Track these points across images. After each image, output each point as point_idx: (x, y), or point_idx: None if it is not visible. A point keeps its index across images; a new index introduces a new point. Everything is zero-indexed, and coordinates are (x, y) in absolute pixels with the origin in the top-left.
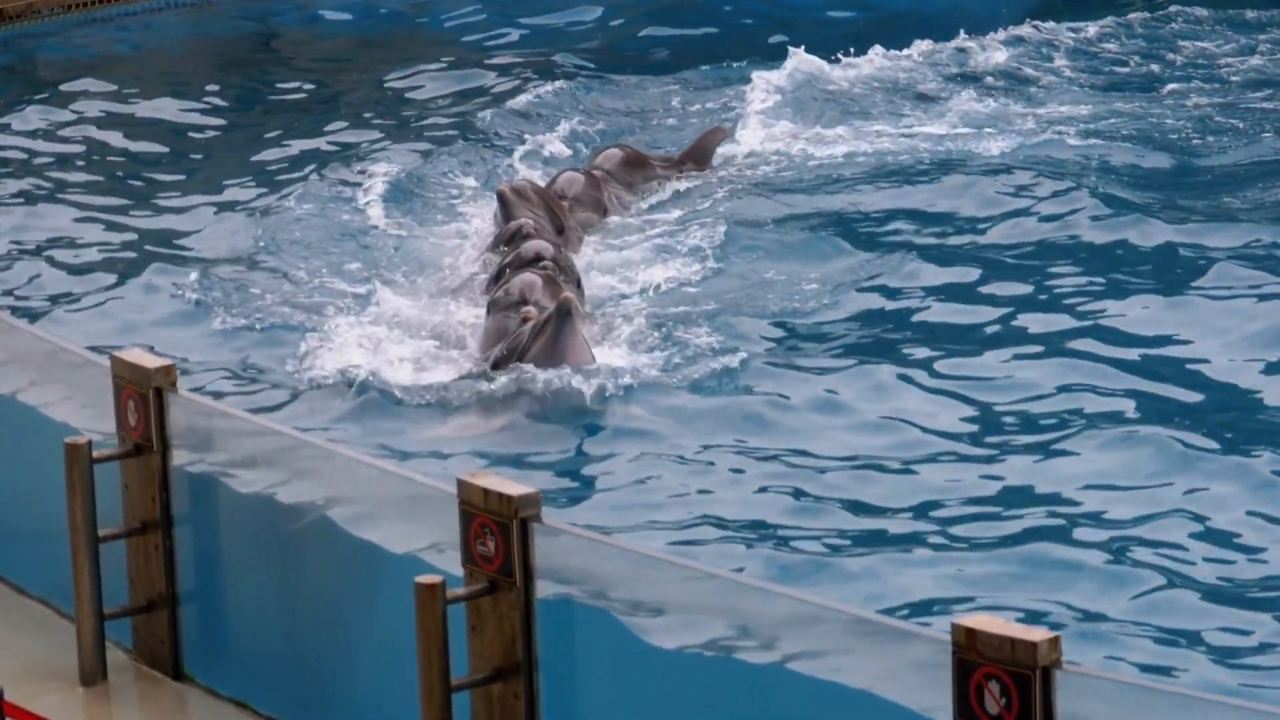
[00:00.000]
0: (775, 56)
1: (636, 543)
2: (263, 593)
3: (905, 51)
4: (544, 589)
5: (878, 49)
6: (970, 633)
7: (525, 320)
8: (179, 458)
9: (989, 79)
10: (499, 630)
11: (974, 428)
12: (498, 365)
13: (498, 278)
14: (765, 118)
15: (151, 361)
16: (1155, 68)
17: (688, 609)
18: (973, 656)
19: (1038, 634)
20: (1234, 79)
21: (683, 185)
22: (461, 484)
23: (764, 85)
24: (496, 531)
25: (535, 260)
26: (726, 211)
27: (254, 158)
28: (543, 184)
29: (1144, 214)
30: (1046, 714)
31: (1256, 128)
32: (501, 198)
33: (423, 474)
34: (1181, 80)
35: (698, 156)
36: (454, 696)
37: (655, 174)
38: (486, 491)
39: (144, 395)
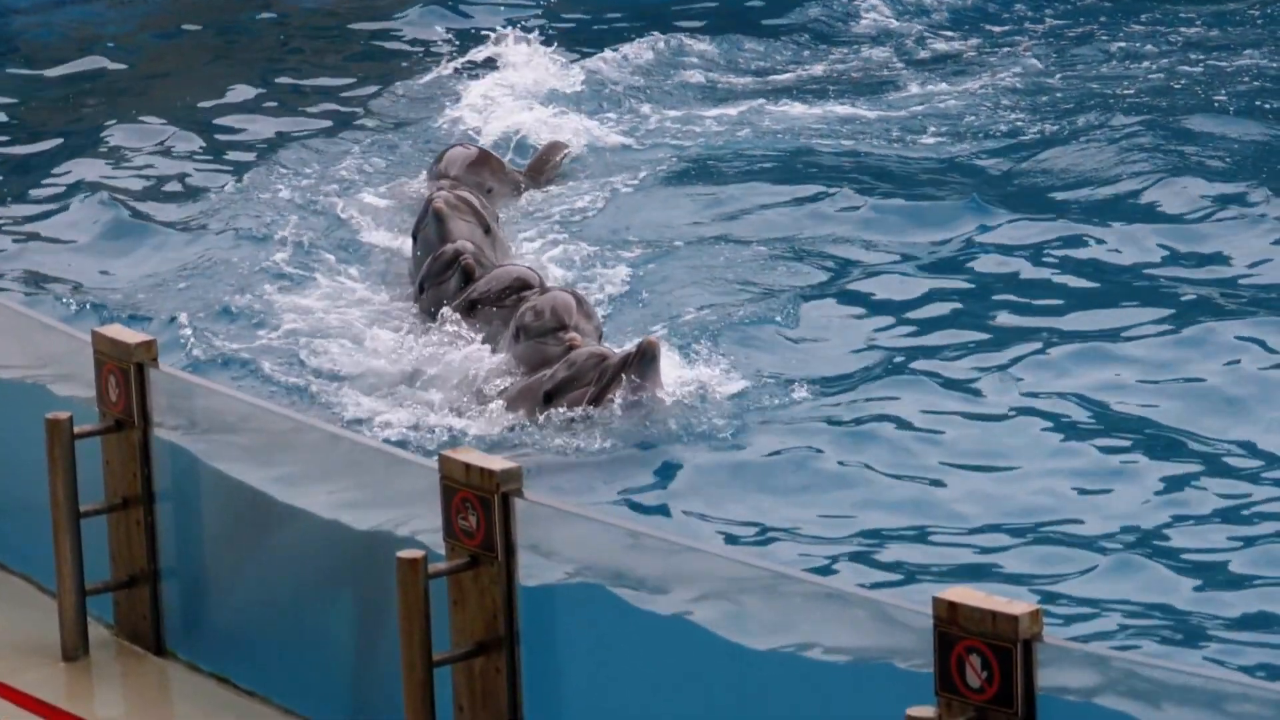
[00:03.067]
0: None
1: (617, 516)
2: (244, 568)
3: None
4: (526, 563)
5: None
6: (952, 606)
7: (571, 346)
8: (160, 433)
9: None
10: (480, 605)
11: (943, 405)
12: (552, 397)
13: (470, 310)
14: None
15: (132, 337)
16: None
17: (670, 582)
18: (954, 630)
19: (1019, 607)
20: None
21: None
22: (443, 459)
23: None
24: (478, 506)
25: (525, 288)
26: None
27: (229, 133)
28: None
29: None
30: (1027, 687)
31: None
32: (438, 215)
33: (403, 450)
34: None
35: (537, 170)
36: (436, 671)
37: (508, 178)
38: (468, 466)
39: (125, 370)
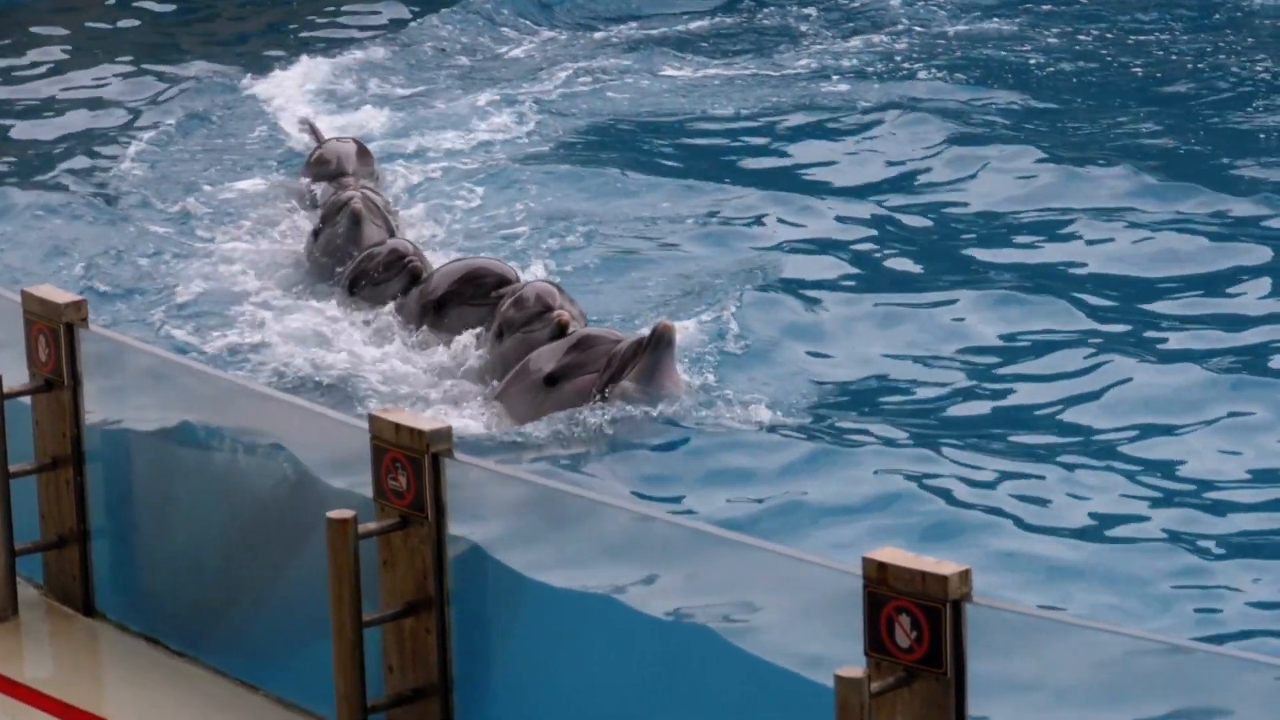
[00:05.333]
0: None
1: (547, 478)
2: (174, 529)
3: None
4: (456, 524)
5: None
6: (881, 566)
7: (561, 326)
8: (90, 393)
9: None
10: (410, 565)
11: (892, 370)
12: (556, 380)
13: (440, 307)
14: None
15: (62, 297)
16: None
17: (598, 543)
18: (884, 590)
19: (948, 567)
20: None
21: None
22: (373, 419)
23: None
24: (408, 466)
25: (502, 284)
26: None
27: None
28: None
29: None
30: (957, 647)
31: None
32: (355, 216)
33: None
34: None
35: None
36: (366, 632)
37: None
38: (398, 426)
39: (54, 330)
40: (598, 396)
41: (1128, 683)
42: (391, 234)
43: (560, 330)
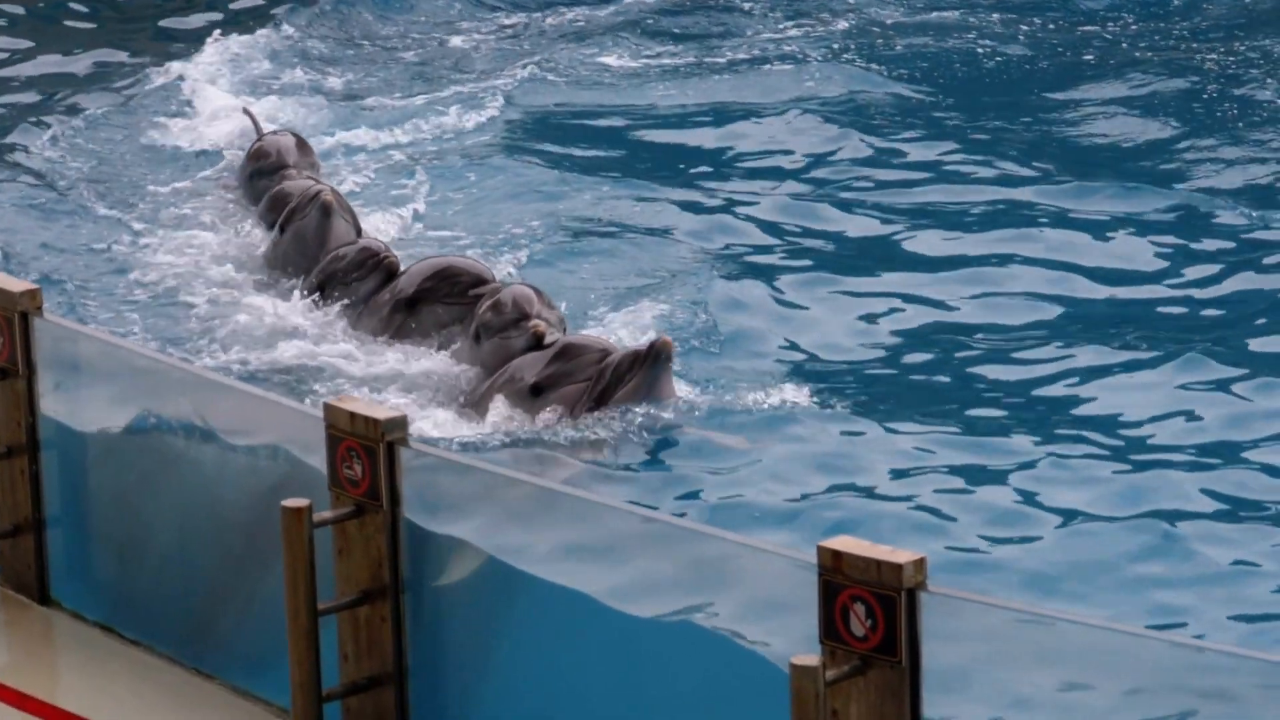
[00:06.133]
0: None
1: (502, 466)
2: (130, 517)
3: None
4: (411, 513)
5: None
6: (836, 555)
7: (537, 335)
8: (46, 382)
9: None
10: (366, 553)
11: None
12: (540, 390)
13: (412, 306)
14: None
15: (17, 285)
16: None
17: (554, 531)
18: (838, 578)
19: (903, 556)
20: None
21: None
22: (328, 408)
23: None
24: (363, 455)
25: (479, 283)
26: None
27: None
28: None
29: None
30: (911, 635)
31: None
32: (326, 209)
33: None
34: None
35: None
36: (321, 620)
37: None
38: (353, 415)
39: (9, 319)
40: (588, 407)
41: (1086, 671)
42: (359, 231)
43: (535, 341)
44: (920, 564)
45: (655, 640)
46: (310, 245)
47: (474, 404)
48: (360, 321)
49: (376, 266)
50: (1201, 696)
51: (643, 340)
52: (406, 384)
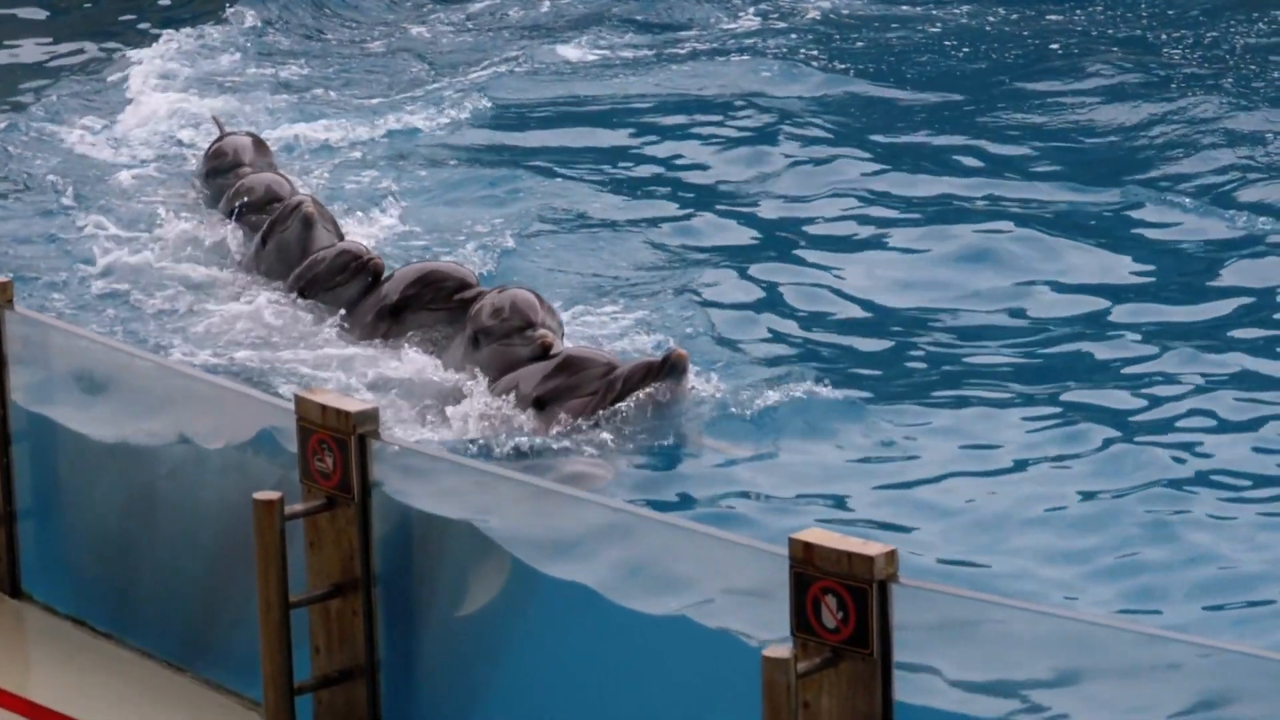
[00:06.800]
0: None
1: (472, 459)
2: (101, 510)
3: None
4: (382, 505)
5: None
6: (808, 547)
7: (545, 345)
8: (16, 374)
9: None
10: (337, 546)
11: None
12: (544, 403)
13: (396, 313)
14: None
15: None
16: None
17: (524, 524)
18: (810, 571)
19: (874, 548)
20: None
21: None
22: (299, 400)
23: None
24: (334, 447)
25: (463, 288)
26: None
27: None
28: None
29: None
30: (883, 627)
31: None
32: (308, 220)
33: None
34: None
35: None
36: (293, 613)
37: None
38: (324, 408)
39: None
40: (596, 419)
41: (1058, 661)
42: (340, 236)
43: (543, 351)
44: (891, 556)
45: (629, 632)
46: (293, 256)
47: (472, 414)
48: (345, 327)
49: (360, 270)
50: (1170, 684)
51: (655, 352)
52: (403, 390)
